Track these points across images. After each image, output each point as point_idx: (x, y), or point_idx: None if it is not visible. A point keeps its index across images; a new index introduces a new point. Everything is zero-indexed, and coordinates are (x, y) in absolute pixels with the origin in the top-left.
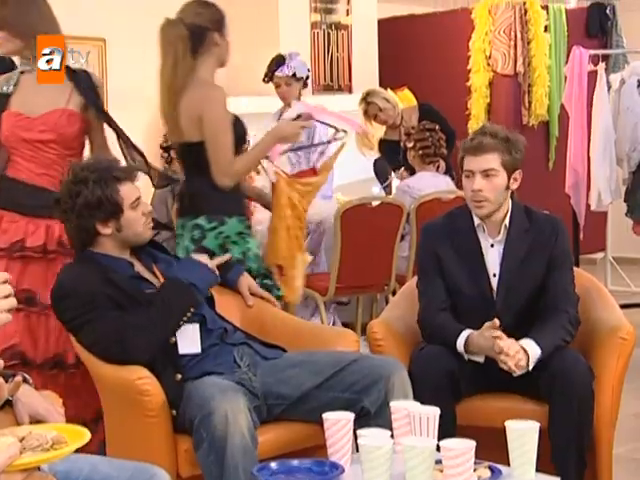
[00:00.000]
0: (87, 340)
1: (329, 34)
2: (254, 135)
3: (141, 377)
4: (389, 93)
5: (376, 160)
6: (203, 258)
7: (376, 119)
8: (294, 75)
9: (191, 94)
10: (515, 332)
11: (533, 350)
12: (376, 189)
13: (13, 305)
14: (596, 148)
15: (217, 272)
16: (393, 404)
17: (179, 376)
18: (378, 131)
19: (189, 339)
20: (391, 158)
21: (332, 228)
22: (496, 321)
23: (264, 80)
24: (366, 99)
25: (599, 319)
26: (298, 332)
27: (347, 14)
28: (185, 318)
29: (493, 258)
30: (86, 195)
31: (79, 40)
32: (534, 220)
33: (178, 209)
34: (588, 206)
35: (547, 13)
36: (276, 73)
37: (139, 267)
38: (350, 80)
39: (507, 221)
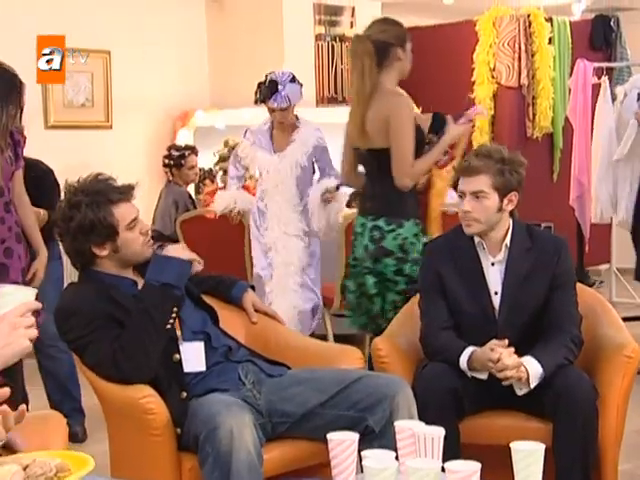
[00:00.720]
0: (90, 361)
1: (333, 46)
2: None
3: (145, 395)
4: None
5: None
6: (174, 250)
7: None
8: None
9: (378, 103)
10: (517, 350)
11: (534, 368)
12: None
13: (34, 336)
14: (598, 161)
15: (196, 258)
16: (397, 424)
17: (184, 394)
18: None
19: (194, 358)
20: None
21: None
22: (505, 341)
23: (255, 102)
24: None
25: (604, 336)
26: (302, 349)
27: (351, 26)
28: (172, 320)
29: (494, 276)
30: (79, 219)
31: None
32: (536, 239)
33: (359, 209)
34: None
35: (551, 25)
36: (269, 104)
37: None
38: None
39: (508, 240)
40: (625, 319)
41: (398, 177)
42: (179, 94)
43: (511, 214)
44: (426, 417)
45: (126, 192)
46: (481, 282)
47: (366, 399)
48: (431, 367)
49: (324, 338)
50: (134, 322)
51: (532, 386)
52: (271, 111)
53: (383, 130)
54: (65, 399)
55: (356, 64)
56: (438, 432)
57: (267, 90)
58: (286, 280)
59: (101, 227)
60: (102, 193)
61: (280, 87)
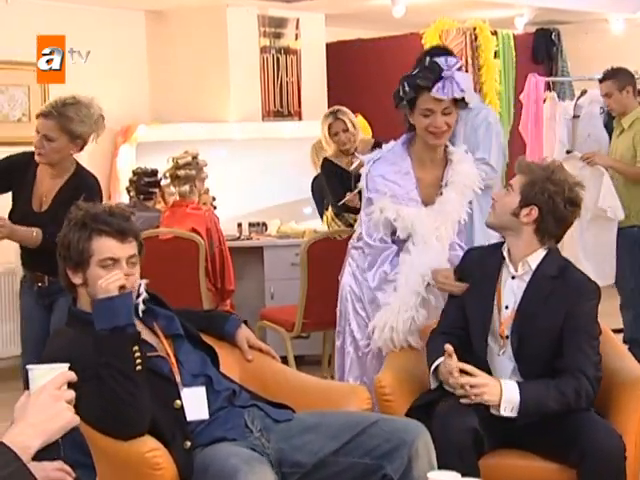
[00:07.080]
0: (84, 417)
1: (278, 59)
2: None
3: (152, 449)
4: (356, 120)
5: (315, 178)
6: (101, 291)
7: (335, 136)
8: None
9: None
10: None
11: (511, 393)
12: (309, 210)
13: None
14: None
15: (122, 282)
16: (431, 475)
17: (188, 444)
18: (330, 148)
19: (196, 404)
20: (330, 180)
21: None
22: (448, 346)
23: (397, 104)
24: (336, 114)
25: (614, 369)
26: (304, 389)
27: (296, 38)
28: (139, 360)
29: (510, 290)
30: (64, 234)
31: (17, 65)
32: (566, 273)
33: None
34: None
35: (496, 39)
36: (433, 93)
37: (138, 327)
38: (300, 106)
39: (532, 260)
40: None
41: None
42: (119, 108)
43: (542, 242)
44: (445, 457)
45: (117, 230)
46: (491, 292)
47: (383, 445)
48: (447, 405)
49: (284, 359)
50: (103, 380)
51: (503, 413)
52: (423, 115)
53: None
54: None
55: None
56: None
57: (429, 72)
58: None
59: (74, 251)
60: (95, 219)
61: (446, 71)
